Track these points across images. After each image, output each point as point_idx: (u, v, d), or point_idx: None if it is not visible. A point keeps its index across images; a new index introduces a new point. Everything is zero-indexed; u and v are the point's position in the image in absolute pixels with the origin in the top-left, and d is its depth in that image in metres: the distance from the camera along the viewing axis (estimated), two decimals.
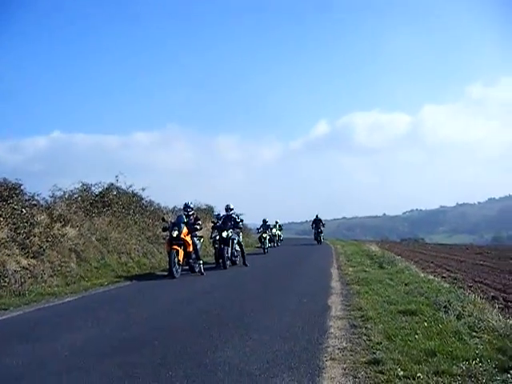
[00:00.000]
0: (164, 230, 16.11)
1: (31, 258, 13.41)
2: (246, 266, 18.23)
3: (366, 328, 7.07)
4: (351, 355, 5.73)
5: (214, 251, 19.91)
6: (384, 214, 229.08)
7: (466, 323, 7.19)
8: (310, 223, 38.11)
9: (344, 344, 6.24)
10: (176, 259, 14.57)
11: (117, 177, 21.70)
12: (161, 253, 20.80)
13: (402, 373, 4.91)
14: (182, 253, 14.79)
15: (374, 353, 5.72)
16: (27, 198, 15.49)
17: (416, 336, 6.32)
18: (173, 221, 15.87)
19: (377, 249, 28.76)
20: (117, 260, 17.41)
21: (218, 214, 19.91)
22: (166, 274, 15.41)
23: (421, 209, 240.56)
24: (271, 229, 33.79)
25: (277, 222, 37.56)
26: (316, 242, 36.21)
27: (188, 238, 15.23)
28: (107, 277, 14.90)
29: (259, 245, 29.67)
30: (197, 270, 15.75)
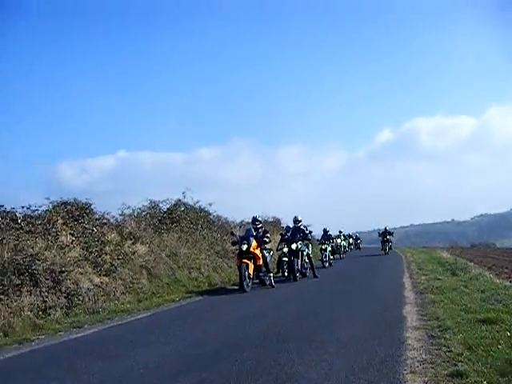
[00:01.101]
0: (233, 244, 16.07)
1: (103, 275, 13.59)
2: (317, 277, 17.92)
3: (444, 338, 6.78)
4: (432, 367, 5.47)
5: (279, 263, 19.54)
6: (452, 220, 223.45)
7: None
8: (378, 233, 37.63)
9: (423, 356, 5.97)
10: (246, 273, 14.46)
11: (184, 193, 22.00)
12: (230, 267, 20.84)
13: None
14: (251, 266, 14.69)
15: (456, 364, 5.46)
16: (97, 216, 15.77)
17: (499, 346, 5.99)
18: (242, 234, 15.76)
19: (448, 255, 28.11)
20: (187, 275, 17.45)
21: (288, 227, 19.62)
22: (236, 288, 15.32)
23: (490, 213, 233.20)
24: (334, 239, 31.71)
25: (340, 232, 36.62)
26: (383, 253, 34.46)
27: (258, 252, 15.10)
28: (178, 292, 14.92)
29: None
30: (267, 283, 15.61)
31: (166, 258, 17.37)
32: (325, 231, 28.15)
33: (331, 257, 27.01)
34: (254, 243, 14.99)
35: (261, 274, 15.53)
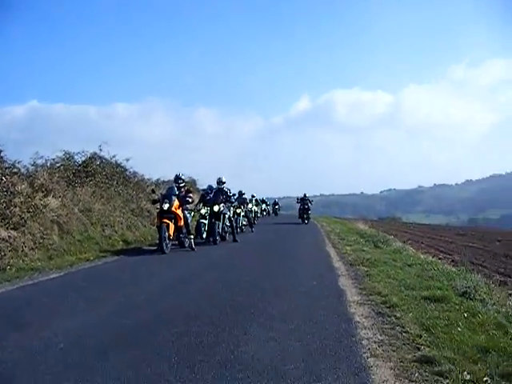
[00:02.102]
0: (154, 202, 15.23)
1: (11, 229, 12.48)
2: (236, 241, 17.38)
3: (395, 317, 6.30)
4: (393, 351, 4.96)
5: (197, 225, 18.74)
6: (362, 193, 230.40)
7: (501, 313, 6.54)
8: (296, 200, 35.09)
9: (379, 336, 5.47)
10: (166, 234, 13.73)
11: (100, 146, 20.76)
12: (145, 226, 20.22)
13: (468, 376, 4.16)
14: (172, 227, 13.99)
15: (419, 348, 5.00)
16: (7, 165, 14.50)
17: (458, 329, 5.58)
18: (163, 193, 14.97)
19: (365, 227, 28.15)
20: (100, 233, 16.50)
21: (210, 187, 18.90)
22: (154, 248, 14.69)
23: (398, 188, 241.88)
24: (246, 204, 28.85)
25: (253, 197, 35.16)
26: (301, 221, 32.45)
27: (179, 212, 14.38)
28: (91, 251, 14.06)
29: None
30: (187, 246, 14.98)
31: (78, 213, 16.32)
32: (240, 194, 25.52)
33: (244, 222, 24.46)
34: (176, 203, 14.23)
35: (181, 236, 14.87)
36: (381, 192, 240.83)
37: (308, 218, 32.97)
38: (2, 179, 13.38)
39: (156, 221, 14.60)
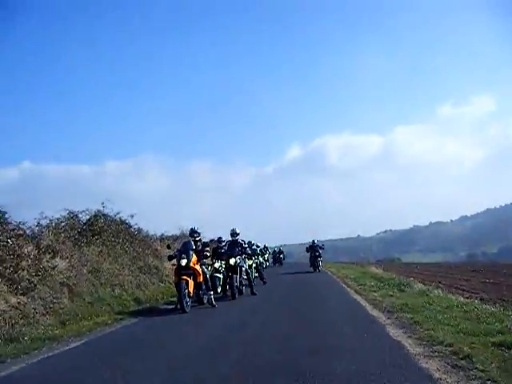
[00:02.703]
0: (170, 258, 14.38)
1: (20, 294, 11.75)
2: (255, 295, 16.55)
3: (478, 369, 5.63)
4: None
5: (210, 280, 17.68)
6: (358, 236, 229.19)
7: None
8: (306, 248, 32.44)
9: None
10: (186, 291, 12.93)
11: (103, 204, 19.99)
12: (153, 284, 19.50)
13: None
14: (191, 283, 13.20)
15: None
16: (12, 227, 13.78)
17: None
18: (179, 248, 14.21)
19: (377, 270, 27.25)
20: (110, 293, 15.73)
21: (220, 238, 18.21)
22: (171, 307, 14.00)
23: (394, 229, 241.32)
24: (258, 255, 28.52)
25: (264, 247, 34.02)
26: (312, 269, 30.28)
27: (198, 267, 13.63)
28: (104, 313, 13.25)
29: None
30: (205, 302, 14.26)
31: (87, 274, 15.57)
32: (250, 245, 23.55)
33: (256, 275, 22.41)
34: (194, 258, 13.49)
35: (200, 292, 14.08)
36: (377, 234, 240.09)
37: (320, 266, 30.68)
38: (8, 242, 12.69)
39: (174, 278, 13.78)
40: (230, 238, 17.07)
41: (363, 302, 13.20)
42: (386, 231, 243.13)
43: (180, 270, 13.20)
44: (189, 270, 13.24)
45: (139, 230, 23.15)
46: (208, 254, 14.72)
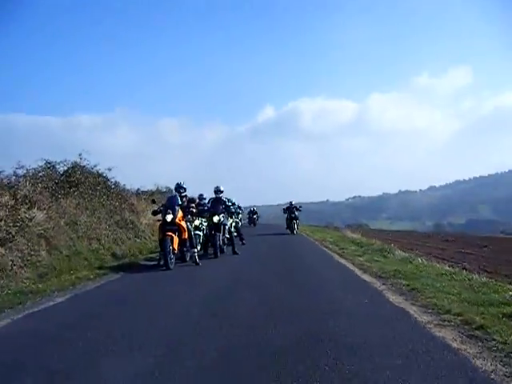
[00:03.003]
0: (154, 213, 13.93)
1: None
2: (237, 254, 16.24)
3: (497, 341, 5.32)
4: None
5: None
6: (327, 200, 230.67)
7: None
8: (283, 209, 31.10)
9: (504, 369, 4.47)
10: (171, 247, 12.55)
11: (80, 155, 19.36)
12: (129, 239, 19.12)
13: None
14: (176, 240, 12.83)
15: None
16: None
17: None
18: (164, 203, 13.75)
19: (356, 235, 26.88)
20: (87, 247, 15.25)
21: (201, 196, 17.75)
22: (152, 263, 13.88)
23: (364, 196, 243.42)
24: (238, 213, 28.07)
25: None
26: (289, 231, 29.26)
27: (183, 223, 13.24)
28: (80, 267, 12.92)
29: None
30: (188, 259, 13.98)
31: (64, 226, 15.04)
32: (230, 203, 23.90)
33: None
34: (180, 214, 13.11)
35: (185, 249, 13.70)
36: (346, 199, 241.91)
37: (297, 228, 29.79)
38: None
39: (158, 233, 13.39)
40: (214, 195, 16.62)
41: (351, 267, 12.90)
42: (355, 197, 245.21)
43: (165, 226, 12.82)
44: (174, 226, 12.89)
45: (116, 184, 22.58)
46: (194, 211, 14.30)
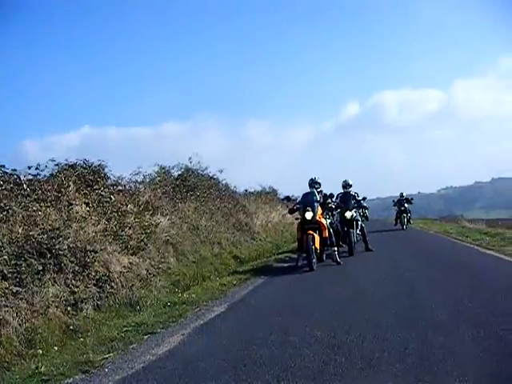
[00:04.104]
0: (291, 212, 13.15)
1: (131, 254, 10.61)
2: (371, 251, 15.09)
3: None
4: None
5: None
6: (418, 193, 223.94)
7: None
8: (393, 201, 28.86)
9: None
10: (313, 247, 11.61)
11: (190, 158, 18.79)
12: (246, 241, 18.44)
13: None
14: (318, 239, 11.88)
15: None
16: (111, 182, 12.71)
17: None
18: (300, 200, 12.89)
19: (475, 225, 24.91)
20: (210, 251, 14.66)
21: (327, 194, 16.68)
22: (288, 265, 13.22)
23: (455, 186, 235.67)
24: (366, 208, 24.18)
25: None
26: (400, 227, 26.16)
27: (323, 221, 12.31)
28: (208, 272, 12.32)
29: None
30: (325, 258, 13.12)
31: (187, 231, 14.48)
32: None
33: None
34: (319, 210, 12.18)
35: (325, 248, 12.77)
36: (438, 191, 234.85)
37: (409, 221, 27.38)
38: (111, 198, 11.57)
39: (297, 233, 12.51)
40: (342, 190, 15.51)
41: (507, 258, 11.74)
42: (447, 188, 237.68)
43: (305, 224, 11.91)
44: (315, 224, 11.96)
45: (227, 186, 22.02)
46: (333, 206, 13.36)
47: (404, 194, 27.82)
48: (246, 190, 26.26)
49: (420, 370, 4.21)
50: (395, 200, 28.44)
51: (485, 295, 7.33)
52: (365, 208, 23.85)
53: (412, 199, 28.70)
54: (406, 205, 27.06)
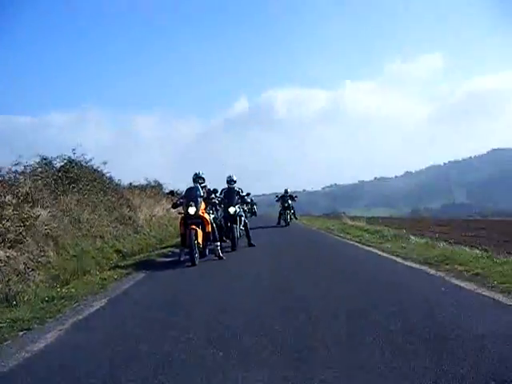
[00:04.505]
0: (174, 206, 13.14)
1: (8, 248, 10.29)
2: (253, 246, 15.38)
3: None
4: None
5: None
6: (304, 190, 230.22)
7: None
8: (276, 197, 29.12)
9: None
10: (195, 242, 11.74)
11: (74, 150, 18.32)
12: (129, 235, 18.20)
13: None
14: (200, 233, 12.02)
15: None
16: None
17: None
18: (184, 194, 12.96)
19: (355, 222, 25.88)
20: (92, 245, 14.39)
21: (211, 189, 16.81)
22: (171, 259, 13.27)
23: (340, 184, 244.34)
24: (248, 203, 25.71)
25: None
26: (284, 224, 26.87)
27: (206, 216, 12.46)
28: (89, 266, 12.13)
29: None
30: (207, 253, 13.26)
31: (69, 224, 14.15)
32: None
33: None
34: (202, 205, 12.33)
35: (208, 243, 12.92)
36: (323, 188, 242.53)
37: (292, 218, 28.08)
38: None
39: (179, 227, 12.61)
40: (226, 186, 15.75)
41: (386, 255, 12.20)
42: (331, 186, 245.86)
43: (188, 219, 12.03)
44: (198, 219, 12.10)
45: (111, 179, 21.65)
46: (216, 202, 13.53)
47: (288, 191, 28.25)
48: (130, 184, 26.15)
49: (296, 362, 4.42)
50: (278, 196, 28.67)
51: (358, 288, 7.77)
52: (252, 204, 24.16)
53: (296, 196, 29.20)
54: (289, 201, 27.53)
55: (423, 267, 9.64)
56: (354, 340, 4.95)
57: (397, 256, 11.56)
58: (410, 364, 4.14)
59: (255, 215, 40.15)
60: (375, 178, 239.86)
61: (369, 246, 14.48)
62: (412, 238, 15.60)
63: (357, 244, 15.69)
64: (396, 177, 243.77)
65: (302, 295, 7.50)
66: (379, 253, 12.66)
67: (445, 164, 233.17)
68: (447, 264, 9.50)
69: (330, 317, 5.91)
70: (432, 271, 9.07)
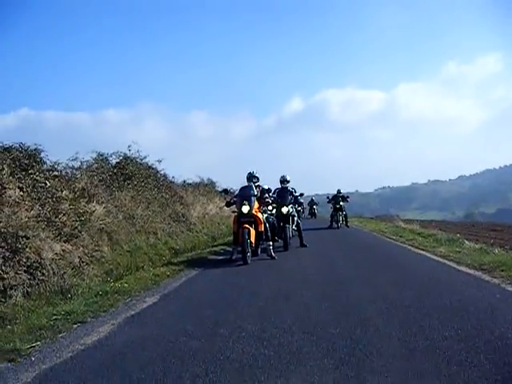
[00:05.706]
0: (228, 205, 13.19)
1: (64, 241, 10.42)
2: (306, 246, 15.25)
3: None
4: None
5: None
6: (356, 191, 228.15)
7: None
8: (327, 198, 28.60)
9: None
10: (248, 241, 11.73)
11: (129, 147, 18.51)
12: (182, 232, 18.25)
13: None
14: (253, 233, 11.99)
15: None
16: (47, 167, 12.44)
17: None
18: (238, 193, 12.99)
19: (409, 226, 25.45)
20: (145, 241, 14.51)
21: (264, 188, 16.77)
22: (223, 257, 13.30)
23: (392, 186, 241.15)
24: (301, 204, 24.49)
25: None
26: (335, 225, 25.64)
27: (260, 215, 12.41)
28: (142, 262, 12.26)
29: None
30: (261, 253, 13.18)
31: (123, 220, 14.31)
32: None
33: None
34: (256, 204, 12.28)
35: (260, 243, 12.88)
36: (375, 190, 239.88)
37: (345, 220, 26.86)
38: (46, 183, 11.35)
39: (233, 226, 12.61)
40: (280, 186, 15.67)
41: (437, 258, 12.00)
42: (384, 188, 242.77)
43: (241, 218, 12.01)
44: (251, 218, 12.06)
45: (165, 176, 21.84)
46: (270, 201, 13.47)
47: (341, 191, 27.59)
48: (184, 181, 26.30)
49: (347, 366, 4.31)
50: (330, 196, 28.12)
51: (411, 292, 7.57)
52: (312, 204, 23.99)
53: (348, 197, 28.32)
54: (341, 203, 26.64)
55: (477, 273, 9.37)
56: (407, 346, 4.80)
57: (450, 261, 11.29)
58: (468, 373, 3.98)
59: (315, 216, 39.94)
60: (429, 181, 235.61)
61: (422, 249, 14.14)
62: (466, 242, 15.19)
63: (407, 246, 15.50)
64: (450, 180, 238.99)
65: (354, 298, 7.35)
66: (433, 257, 12.37)
67: (500, 168, 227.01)
68: (502, 270, 9.16)
69: (384, 323, 5.76)
70: (487, 277, 8.80)
